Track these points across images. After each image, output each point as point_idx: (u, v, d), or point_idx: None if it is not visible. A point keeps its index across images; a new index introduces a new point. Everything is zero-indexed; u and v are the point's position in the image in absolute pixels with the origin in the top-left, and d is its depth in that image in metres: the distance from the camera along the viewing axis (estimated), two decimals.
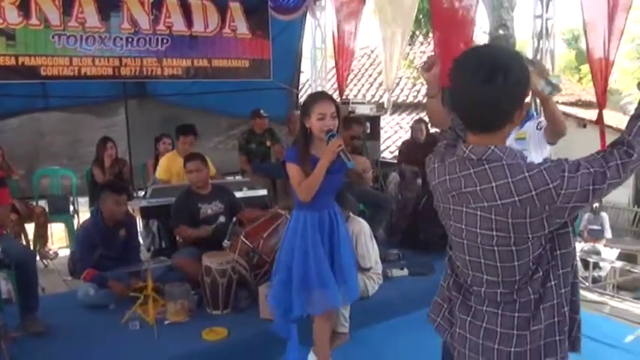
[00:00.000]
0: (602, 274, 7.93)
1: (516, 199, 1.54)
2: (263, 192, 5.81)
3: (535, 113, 3.98)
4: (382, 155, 9.58)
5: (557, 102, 6.08)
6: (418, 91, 13.48)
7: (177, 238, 5.22)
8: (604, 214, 10.07)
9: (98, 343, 3.65)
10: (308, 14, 8.61)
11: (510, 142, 3.44)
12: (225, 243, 4.35)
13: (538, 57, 5.75)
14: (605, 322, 4.44)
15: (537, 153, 3.74)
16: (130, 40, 6.74)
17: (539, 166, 1.55)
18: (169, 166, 5.64)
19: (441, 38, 6.86)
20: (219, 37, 7.44)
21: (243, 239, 4.42)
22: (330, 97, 3.18)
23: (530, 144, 3.77)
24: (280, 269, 3.22)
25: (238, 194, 5.26)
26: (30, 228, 5.79)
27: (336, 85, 9.20)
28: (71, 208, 6.38)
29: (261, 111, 7.09)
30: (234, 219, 4.69)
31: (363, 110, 8.65)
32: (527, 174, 1.53)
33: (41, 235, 5.76)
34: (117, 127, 7.15)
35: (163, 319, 3.94)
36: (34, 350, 3.54)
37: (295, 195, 3.12)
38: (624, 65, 17.20)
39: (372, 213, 5.68)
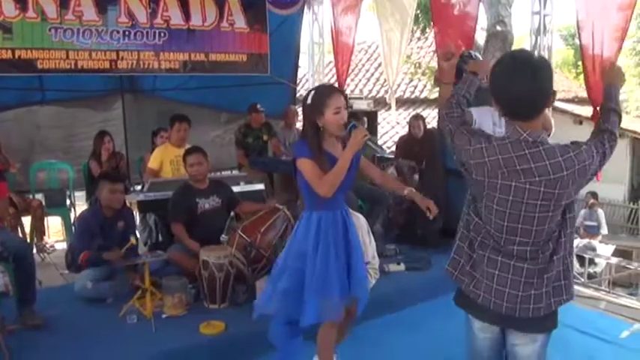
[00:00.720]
0: (598, 270, 7.98)
1: (564, 173, 2.00)
2: (260, 186, 5.80)
3: None
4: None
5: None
6: (415, 87, 13.50)
7: None
8: (600, 211, 10.12)
9: (95, 337, 3.66)
10: (306, 8, 8.58)
11: (502, 130, 3.49)
12: (223, 237, 4.35)
13: (536, 53, 5.75)
14: (600, 318, 4.46)
15: None
16: (127, 33, 6.69)
17: (577, 147, 2.04)
18: (161, 156, 5.63)
19: (441, 34, 6.86)
20: (217, 31, 7.40)
21: (241, 233, 4.43)
22: (340, 90, 3.05)
23: None
24: (287, 276, 2.98)
25: (235, 189, 5.25)
26: (27, 221, 5.79)
27: (334, 80, 9.21)
28: (68, 201, 6.35)
29: (258, 105, 7.09)
30: (232, 214, 4.69)
31: (361, 105, 8.66)
32: (572, 154, 2.01)
33: (38, 229, 5.75)
34: (114, 121, 7.11)
35: (161, 313, 3.96)
36: (31, 343, 3.55)
37: (308, 194, 2.93)
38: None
39: (370, 208, 5.69)
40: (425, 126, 7.15)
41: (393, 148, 8.33)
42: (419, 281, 4.83)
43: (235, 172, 7.15)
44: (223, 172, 7.47)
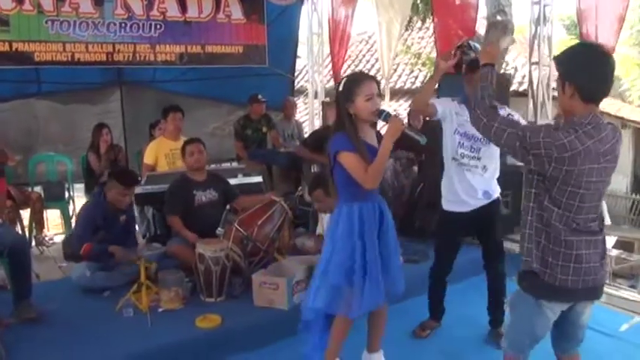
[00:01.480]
0: None
1: (618, 153, 2.31)
2: (258, 179, 5.77)
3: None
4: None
5: (555, 88, 6.09)
6: (416, 78, 13.41)
7: None
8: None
9: (92, 330, 3.65)
10: None
11: (465, 117, 3.44)
12: (219, 231, 4.33)
13: (535, 43, 5.73)
14: (600, 311, 4.42)
15: (493, 148, 3.57)
16: (123, 25, 6.67)
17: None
18: (156, 150, 5.62)
19: (441, 24, 6.81)
20: (214, 23, 7.37)
21: (237, 227, 4.41)
22: (372, 76, 2.97)
23: None
24: (337, 272, 2.94)
25: (233, 181, 5.23)
26: (25, 214, 5.78)
27: (332, 72, 9.14)
28: (67, 194, 6.34)
29: (259, 96, 7.04)
30: (228, 207, 4.67)
31: None
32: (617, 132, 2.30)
33: (37, 222, 5.75)
34: (112, 114, 7.09)
35: (157, 307, 3.95)
36: (27, 336, 3.55)
37: (347, 187, 2.90)
38: (623, 52, 17.11)
39: None
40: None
41: None
42: (416, 273, 4.79)
43: (234, 164, 7.13)
44: (223, 164, 7.44)
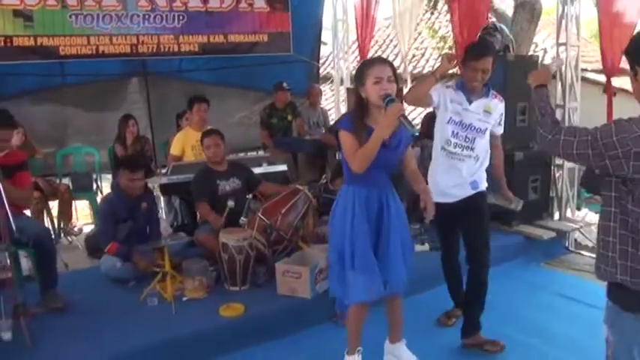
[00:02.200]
0: None
1: None
2: (283, 167, 5.78)
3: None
4: None
5: (585, 69, 5.94)
6: None
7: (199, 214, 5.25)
8: None
9: (117, 319, 3.70)
10: None
11: (476, 108, 3.42)
12: (242, 220, 4.33)
13: (563, 23, 5.56)
14: None
15: (486, 139, 3.52)
16: (146, 17, 6.68)
17: None
18: (183, 141, 5.64)
19: (460, 5, 6.68)
20: (236, 12, 7.34)
21: (261, 215, 4.41)
22: (385, 60, 2.95)
23: (492, 121, 3.51)
24: (330, 252, 3.09)
25: (258, 170, 5.25)
26: (54, 205, 5.87)
27: (358, 58, 9.05)
28: (95, 185, 6.43)
29: (284, 84, 7.03)
30: (250, 195, 4.67)
31: None
32: None
33: (65, 213, 5.84)
34: (137, 104, 7.16)
35: (181, 296, 3.98)
36: (53, 326, 3.62)
37: (346, 168, 2.93)
38: None
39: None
40: None
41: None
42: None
43: (261, 153, 7.14)
44: (249, 153, 7.46)
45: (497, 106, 3.51)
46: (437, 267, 4.60)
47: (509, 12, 8.54)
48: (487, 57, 3.36)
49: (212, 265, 4.24)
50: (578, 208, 6.57)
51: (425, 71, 13.40)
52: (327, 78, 11.49)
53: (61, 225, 5.84)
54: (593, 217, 7.67)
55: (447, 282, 3.94)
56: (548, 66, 2.63)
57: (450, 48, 12.11)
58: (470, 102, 3.43)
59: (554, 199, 5.80)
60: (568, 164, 5.65)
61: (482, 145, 3.49)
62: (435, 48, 13.48)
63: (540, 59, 7.45)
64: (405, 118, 2.71)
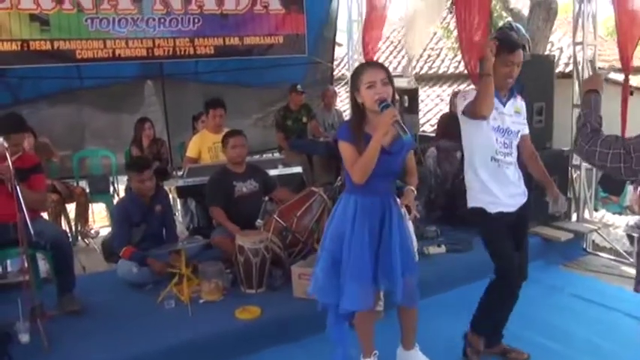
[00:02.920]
0: None
1: None
2: (298, 169, 5.78)
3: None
4: (422, 129, 9.39)
5: (602, 68, 5.87)
6: (459, 62, 13.12)
7: None
8: None
9: (134, 322, 3.72)
10: None
11: (509, 110, 3.18)
12: (259, 222, 4.33)
13: (580, 22, 5.50)
14: None
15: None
16: (162, 20, 6.73)
17: None
18: (199, 144, 5.65)
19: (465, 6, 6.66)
20: (251, 14, 7.36)
21: (277, 218, 4.42)
22: (378, 64, 2.91)
23: (523, 121, 3.30)
24: (323, 259, 2.95)
25: (273, 172, 5.24)
26: (72, 208, 5.92)
27: (375, 59, 9.00)
28: (111, 188, 6.47)
29: (298, 86, 7.06)
30: (267, 198, 4.67)
31: (401, 83, 8.45)
32: None
33: (82, 215, 5.89)
34: (153, 107, 7.22)
35: (198, 298, 3.99)
36: (69, 328, 3.63)
37: (347, 177, 2.86)
38: None
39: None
40: None
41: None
42: (459, 263, 4.73)
43: (276, 155, 7.15)
44: (264, 155, 7.48)
45: (522, 105, 3.31)
46: (454, 269, 4.60)
47: (525, 11, 8.50)
48: (519, 49, 3.14)
49: (228, 268, 4.24)
50: (596, 209, 6.50)
51: (440, 72, 13.37)
52: (342, 79, 11.49)
53: (79, 228, 5.88)
54: (610, 218, 7.60)
55: (497, 312, 3.42)
56: (600, 73, 2.52)
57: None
58: (504, 104, 3.18)
59: (572, 201, 5.74)
60: (585, 165, 5.59)
61: (515, 148, 3.27)
62: (450, 48, 13.43)
63: (557, 58, 7.36)
64: (399, 123, 2.64)
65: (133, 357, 3.35)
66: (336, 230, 2.91)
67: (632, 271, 4.68)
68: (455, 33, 12.97)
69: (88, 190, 6.07)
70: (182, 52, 6.93)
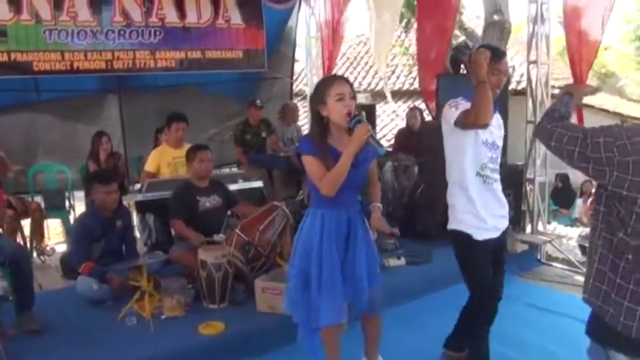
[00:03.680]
0: None
1: None
2: (258, 184, 5.79)
3: None
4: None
5: (553, 86, 6.11)
6: (414, 79, 13.41)
7: (173, 231, 5.22)
8: None
9: (95, 339, 3.65)
10: (303, 3, 8.54)
11: (495, 123, 3.01)
12: (221, 237, 4.33)
13: (534, 42, 5.72)
14: None
15: None
16: (122, 33, 6.66)
17: None
18: (158, 159, 5.59)
19: (427, 24, 6.88)
20: (213, 28, 7.38)
21: (239, 232, 4.41)
22: (344, 78, 2.94)
23: (501, 135, 3.18)
24: (294, 275, 2.97)
25: (233, 186, 5.25)
26: (26, 224, 5.77)
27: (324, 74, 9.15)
28: (67, 203, 6.34)
29: (257, 101, 7.08)
30: (229, 212, 4.68)
31: (359, 99, 8.56)
32: None
33: (37, 231, 5.74)
34: (111, 120, 7.10)
35: (160, 314, 3.94)
36: (30, 346, 3.54)
37: (313, 191, 2.88)
38: (621, 48, 17.13)
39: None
40: (422, 118, 7.12)
41: (393, 142, 8.29)
42: (419, 276, 4.82)
43: (234, 170, 7.14)
44: (222, 170, 7.45)
45: (500, 119, 3.15)
46: (414, 281, 4.69)
47: (479, 31, 8.74)
48: (505, 57, 3.05)
49: (190, 283, 4.22)
50: (548, 222, 6.71)
51: (396, 88, 13.62)
52: (300, 94, 11.58)
53: (34, 244, 5.74)
54: (562, 230, 7.87)
55: (474, 339, 3.33)
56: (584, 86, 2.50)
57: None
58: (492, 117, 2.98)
59: (527, 213, 5.92)
60: (539, 178, 5.78)
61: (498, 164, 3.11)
62: (405, 65, 13.72)
63: (510, 76, 7.59)
64: (374, 138, 2.70)
65: None
66: (303, 245, 2.93)
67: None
68: (411, 50, 13.30)
69: (43, 206, 5.93)
70: (142, 65, 6.87)
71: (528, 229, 5.95)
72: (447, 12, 6.53)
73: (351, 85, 2.84)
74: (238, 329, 3.77)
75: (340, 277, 2.87)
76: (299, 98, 11.63)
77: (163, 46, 6.99)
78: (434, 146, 6.18)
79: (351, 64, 15.38)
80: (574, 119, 5.53)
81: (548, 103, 5.83)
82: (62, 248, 5.72)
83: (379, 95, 13.40)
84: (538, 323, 4.20)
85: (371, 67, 14.57)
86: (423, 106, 8.15)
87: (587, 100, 5.38)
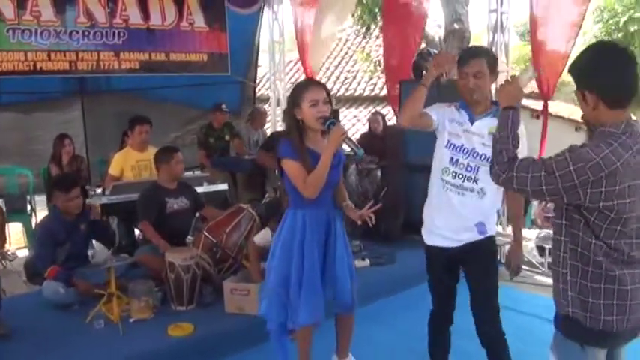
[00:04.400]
0: None
1: None
2: (224, 187, 5.81)
3: None
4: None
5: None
6: (375, 85, 13.62)
7: (138, 234, 5.20)
8: None
9: (63, 343, 3.62)
10: (265, 7, 8.60)
11: (479, 129, 2.82)
12: (189, 239, 4.35)
13: (493, 50, 5.91)
14: None
15: None
16: (86, 33, 6.61)
17: None
18: (122, 162, 5.53)
19: (393, 32, 7.01)
20: (177, 31, 7.38)
21: (206, 234, 4.44)
22: (320, 83, 3.00)
23: None
24: (273, 276, 2.98)
25: (199, 189, 5.25)
26: None
27: (294, 79, 9.23)
28: (28, 207, 6.23)
29: (223, 106, 7.07)
30: (197, 214, 4.69)
31: None
32: None
33: None
34: (73, 123, 7.01)
35: (128, 317, 3.94)
36: None
37: (292, 193, 2.92)
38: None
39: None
40: (385, 122, 7.25)
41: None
42: (383, 276, 4.93)
43: (198, 173, 7.12)
44: (186, 173, 7.41)
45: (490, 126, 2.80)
46: (378, 281, 4.78)
47: (439, 39, 8.94)
48: (476, 58, 2.82)
49: (157, 286, 4.22)
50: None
51: (357, 94, 13.80)
52: (263, 99, 11.63)
53: None
54: None
55: (429, 343, 3.21)
56: (518, 77, 2.28)
57: (383, 71, 12.53)
58: (472, 122, 2.85)
59: None
60: None
61: (485, 176, 2.70)
62: (366, 71, 13.90)
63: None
64: (350, 139, 2.77)
65: None
66: (283, 247, 2.96)
67: (545, 280, 5.07)
68: (372, 56, 13.48)
69: (4, 210, 5.81)
70: (106, 66, 6.83)
71: None
72: (416, 20, 6.65)
73: (327, 90, 2.91)
74: (207, 330, 3.79)
75: (319, 277, 2.93)
76: (262, 103, 11.68)
77: (127, 48, 6.96)
78: (396, 150, 6.39)
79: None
80: (540, 125, 5.72)
81: None
82: (24, 253, 5.62)
83: (341, 100, 13.57)
84: (505, 321, 4.33)
85: (332, 72, 14.70)
86: (384, 110, 8.29)
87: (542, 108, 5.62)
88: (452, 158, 2.85)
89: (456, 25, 7.65)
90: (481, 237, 2.86)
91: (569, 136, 9.81)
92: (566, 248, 2.03)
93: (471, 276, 2.96)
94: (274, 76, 9.05)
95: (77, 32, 6.56)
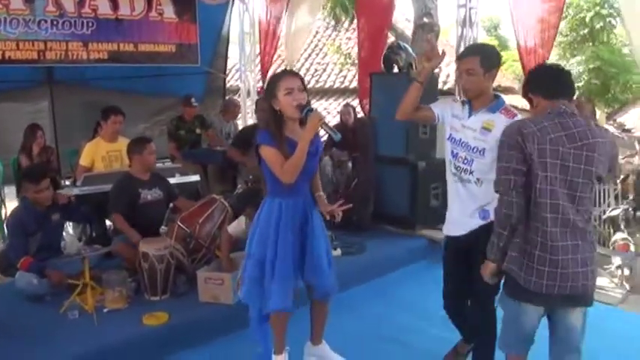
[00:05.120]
0: None
1: (594, 142, 2.44)
2: (196, 177, 5.83)
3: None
4: None
5: None
6: (345, 77, 13.70)
7: (109, 226, 5.19)
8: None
9: (39, 334, 3.62)
10: None
11: (473, 123, 2.94)
12: (162, 229, 4.37)
13: (462, 44, 6.04)
14: None
15: (492, 156, 2.77)
16: (55, 23, 6.51)
17: None
18: (92, 153, 5.51)
19: (366, 24, 7.09)
20: (146, 21, 7.31)
21: (180, 224, 4.47)
22: (294, 72, 3.07)
23: (492, 141, 2.83)
24: (251, 264, 3.06)
25: (171, 180, 5.25)
26: None
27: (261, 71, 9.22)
28: None
29: (192, 100, 7.02)
30: (171, 205, 4.71)
31: None
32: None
33: None
34: (42, 113, 6.92)
35: (102, 307, 3.95)
36: None
37: (270, 181, 2.98)
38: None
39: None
40: (355, 114, 7.34)
41: (325, 137, 8.46)
42: (354, 265, 5.01)
43: (168, 164, 7.09)
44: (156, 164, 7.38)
45: (500, 123, 2.83)
46: (348, 270, 4.85)
47: (408, 32, 9.04)
48: (468, 57, 2.95)
49: (130, 276, 4.23)
50: None
51: (327, 86, 13.86)
52: (232, 90, 11.60)
53: None
54: None
55: (453, 320, 3.40)
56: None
57: (353, 63, 12.61)
58: (468, 116, 2.99)
59: None
60: None
61: (482, 167, 2.91)
62: (336, 63, 13.96)
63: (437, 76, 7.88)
64: (327, 125, 2.84)
65: None
66: (260, 234, 3.03)
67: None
68: (342, 49, 13.55)
69: None
70: (75, 57, 6.74)
71: None
72: (385, 11, 6.76)
73: (302, 78, 2.98)
74: (182, 319, 3.83)
75: (291, 264, 3.01)
76: (232, 94, 11.65)
77: (95, 38, 6.89)
78: (366, 142, 6.48)
79: (283, 61, 15.44)
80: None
81: None
82: None
83: (310, 92, 13.60)
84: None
85: (302, 64, 14.70)
86: (354, 103, 8.37)
87: (509, 101, 5.75)
88: (452, 151, 3.04)
89: (425, 19, 7.74)
90: (484, 222, 2.96)
91: None
92: (530, 227, 2.47)
93: (471, 264, 2.95)
94: (244, 67, 9.05)
95: (46, 21, 6.46)
